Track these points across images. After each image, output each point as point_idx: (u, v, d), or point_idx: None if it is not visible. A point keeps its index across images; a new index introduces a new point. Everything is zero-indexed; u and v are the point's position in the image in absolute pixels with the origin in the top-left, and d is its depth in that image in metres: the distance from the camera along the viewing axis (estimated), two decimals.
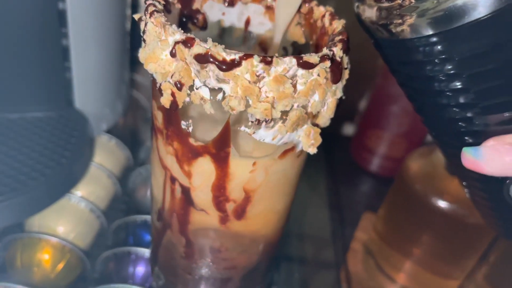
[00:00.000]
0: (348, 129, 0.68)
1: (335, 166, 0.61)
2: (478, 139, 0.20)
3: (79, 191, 0.40)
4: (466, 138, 0.21)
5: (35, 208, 0.34)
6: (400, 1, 0.19)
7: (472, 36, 0.18)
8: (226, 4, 0.28)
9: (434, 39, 0.18)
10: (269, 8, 0.28)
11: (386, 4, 0.20)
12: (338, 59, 0.21)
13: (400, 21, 0.19)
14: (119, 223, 0.39)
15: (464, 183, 0.26)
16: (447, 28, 0.18)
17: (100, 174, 0.42)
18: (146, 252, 0.37)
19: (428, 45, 0.19)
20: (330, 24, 0.25)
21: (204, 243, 0.27)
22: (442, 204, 0.41)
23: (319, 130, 0.23)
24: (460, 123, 0.21)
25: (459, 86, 0.19)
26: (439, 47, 0.19)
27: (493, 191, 0.23)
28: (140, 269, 0.38)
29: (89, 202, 0.39)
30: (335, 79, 0.21)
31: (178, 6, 0.26)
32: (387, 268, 0.47)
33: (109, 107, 0.44)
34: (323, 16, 0.25)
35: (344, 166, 0.63)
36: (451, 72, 0.19)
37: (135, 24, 0.23)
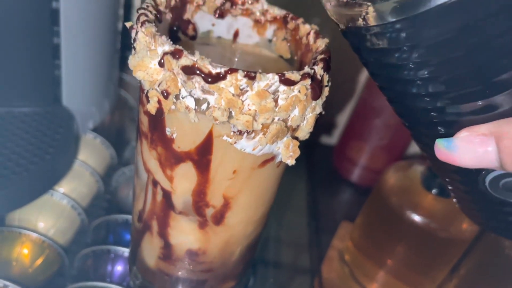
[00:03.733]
0: (330, 139, 0.69)
1: (315, 174, 0.62)
2: (452, 129, 0.19)
3: (62, 188, 0.40)
4: (439, 128, 0.20)
5: (17, 203, 0.34)
6: None
7: (437, 21, 0.16)
8: (216, 16, 0.29)
9: (399, 25, 0.17)
10: (258, 22, 0.29)
11: None
12: (319, 77, 0.22)
13: (363, 8, 0.18)
14: (100, 221, 0.40)
15: (445, 178, 0.25)
16: (412, 14, 0.17)
17: (83, 172, 0.42)
18: (125, 251, 0.37)
19: (394, 32, 0.18)
20: (315, 42, 0.26)
21: (182, 246, 0.28)
22: (416, 217, 0.42)
23: (298, 143, 0.24)
24: (432, 113, 0.20)
25: (428, 75, 0.18)
26: (404, 34, 0.17)
27: (470, 182, 0.22)
28: (119, 268, 0.38)
29: (71, 198, 0.40)
30: (315, 96, 0.22)
31: (170, 16, 0.27)
32: (361, 276, 0.48)
33: (96, 106, 0.44)
34: (308, 34, 0.27)
35: (325, 174, 0.64)
36: (419, 60, 0.18)
37: None
